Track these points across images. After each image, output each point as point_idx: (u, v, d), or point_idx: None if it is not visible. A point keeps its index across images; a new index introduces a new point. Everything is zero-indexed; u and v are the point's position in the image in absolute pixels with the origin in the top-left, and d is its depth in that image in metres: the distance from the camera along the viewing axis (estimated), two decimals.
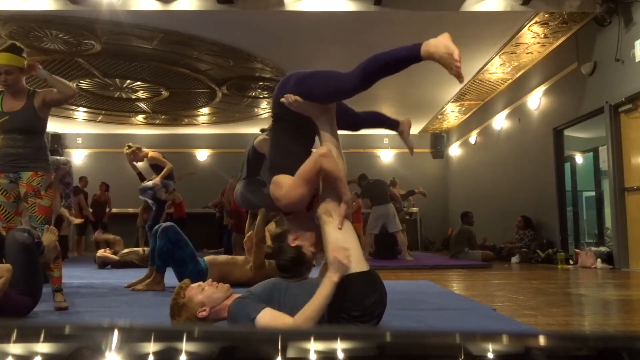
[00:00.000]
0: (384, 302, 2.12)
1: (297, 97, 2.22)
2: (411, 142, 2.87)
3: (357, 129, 2.78)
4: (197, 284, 2.10)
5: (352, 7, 5.87)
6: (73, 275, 5.12)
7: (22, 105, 3.05)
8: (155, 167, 5.73)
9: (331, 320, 2.04)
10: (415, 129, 12.35)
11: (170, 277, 4.04)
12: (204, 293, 2.03)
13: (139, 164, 5.76)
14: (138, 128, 11.86)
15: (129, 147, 5.64)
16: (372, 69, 2.12)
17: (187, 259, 3.98)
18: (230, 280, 3.74)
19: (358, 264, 2.09)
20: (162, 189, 5.86)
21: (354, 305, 2.03)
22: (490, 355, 0.52)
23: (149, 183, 5.83)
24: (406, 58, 2.09)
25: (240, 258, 4.40)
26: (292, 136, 2.34)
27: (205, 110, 10.57)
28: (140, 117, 11.11)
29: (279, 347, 0.51)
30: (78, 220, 6.44)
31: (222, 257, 4.48)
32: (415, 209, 11.73)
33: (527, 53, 7.50)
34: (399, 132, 2.82)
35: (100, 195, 10.00)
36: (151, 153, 5.63)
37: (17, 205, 3.13)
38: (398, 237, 7.57)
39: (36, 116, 3.07)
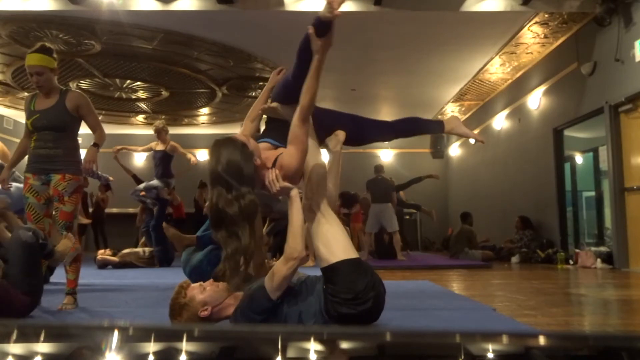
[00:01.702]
0: (378, 288, 2.10)
1: (274, 104, 2.45)
2: (471, 132, 2.69)
3: (389, 139, 2.79)
4: (198, 283, 2.09)
5: (352, 7, 5.87)
6: None
7: (53, 103, 3.05)
8: (165, 158, 6.06)
9: (326, 308, 2.02)
10: None
11: (170, 277, 4.04)
12: (206, 293, 2.03)
13: (138, 164, 5.89)
14: (138, 128, 11.84)
15: (165, 124, 6.37)
16: (301, 67, 2.22)
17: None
18: None
19: (344, 252, 2.09)
20: (164, 188, 5.90)
21: (345, 289, 2.02)
22: (490, 355, 0.52)
23: (153, 182, 5.87)
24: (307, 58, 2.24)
25: None
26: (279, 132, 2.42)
27: (205, 110, 10.57)
28: (141, 117, 11.10)
29: (279, 347, 0.50)
30: (86, 221, 6.48)
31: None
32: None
33: (527, 53, 7.50)
34: (446, 132, 2.65)
35: (100, 195, 10.01)
36: (174, 143, 6.37)
37: (48, 207, 3.12)
38: (394, 237, 7.55)
39: (67, 114, 3.06)
